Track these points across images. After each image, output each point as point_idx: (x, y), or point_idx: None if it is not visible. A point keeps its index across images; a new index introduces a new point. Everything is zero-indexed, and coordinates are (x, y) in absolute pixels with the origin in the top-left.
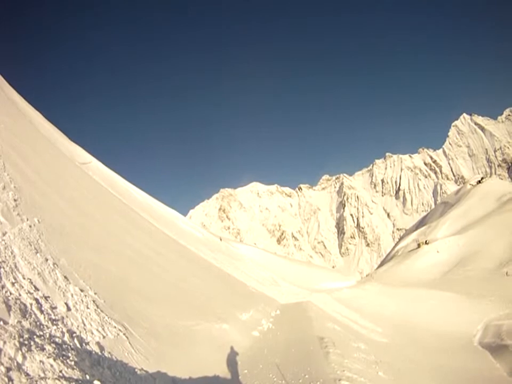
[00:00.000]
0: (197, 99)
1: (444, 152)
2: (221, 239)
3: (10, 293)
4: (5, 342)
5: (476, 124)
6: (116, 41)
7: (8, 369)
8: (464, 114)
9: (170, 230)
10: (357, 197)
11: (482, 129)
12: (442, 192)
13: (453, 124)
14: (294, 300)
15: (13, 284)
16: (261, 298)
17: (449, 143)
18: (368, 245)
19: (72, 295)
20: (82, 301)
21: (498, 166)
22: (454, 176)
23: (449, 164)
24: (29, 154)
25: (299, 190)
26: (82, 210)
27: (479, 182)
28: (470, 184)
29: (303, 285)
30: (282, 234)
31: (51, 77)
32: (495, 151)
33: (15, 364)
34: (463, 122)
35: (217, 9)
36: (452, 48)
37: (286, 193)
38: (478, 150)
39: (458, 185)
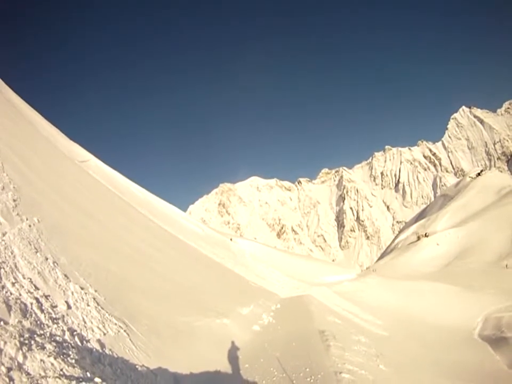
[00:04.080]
0: (195, 94)
1: (443, 144)
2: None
3: (11, 293)
4: (5, 342)
5: (475, 116)
6: (114, 39)
7: (9, 369)
8: (463, 107)
9: (170, 226)
10: (357, 190)
11: (482, 122)
12: (442, 185)
13: (452, 116)
14: (294, 293)
15: (13, 283)
16: (261, 292)
17: (449, 136)
18: (368, 238)
19: (72, 293)
20: (83, 298)
21: (497, 158)
22: (453, 168)
23: (448, 156)
24: (27, 154)
25: (298, 183)
26: (82, 209)
27: (479, 174)
28: (469, 177)
29: (303, 278)
30: (282, 228)
31: (48, 75)
32: (494, 144)
33: (16, 363)
34: (462, 115)
35: (215, 7)
36: (451, 41)
37: (285, 187)
38: (477, 142)
39: (458, 177)
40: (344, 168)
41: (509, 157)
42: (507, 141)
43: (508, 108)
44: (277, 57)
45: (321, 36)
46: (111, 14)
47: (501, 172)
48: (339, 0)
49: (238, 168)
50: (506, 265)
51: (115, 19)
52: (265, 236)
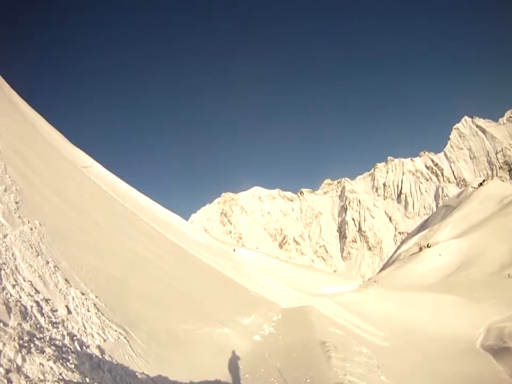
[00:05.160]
0: (198, 102)
1: (445, 155)
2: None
3: (11, 295)
4: (4, 344)
5: (477, 126)
6: (117, 44)
7: (8, 371)
8: (466, 116)
9: (171, 234)
10: (359, 201)
11: (484, 131)
12: (444, 195)
13: (454, 126)
14: (295, 304)
15: (13, 286)
16: (262, 302)
17: (451, 146)
18: (370, 248)
19: (73, 298)
20: (83, 304)
21: (499, 168)
22: (455, 179)
23: (450, 166)
24: (30, 157)
25: (301, 194)
26: (84, 214)
27: (481, 184)
28: (471, 187)
29: (305, 289)
30: (284, 238)
31: (52, 79)
32: (496, 153)
33: (15, 366)
34: (465, 125)
35: (218, 12)
36: (453, 50)
37: (287, 198)
38: (480, 152)
39: (460, 188)
40: (347, 179)
41: (511, 166)
42: (509, 150)
43: (510, 117)
44: (278, 66)
45: (322, 43)
46: (115, 18)
47: (503, 181)
48: (338, 7)
49: (240, 178)
50: (509, 275)
51: (115, 23)
52: (267, 246)
